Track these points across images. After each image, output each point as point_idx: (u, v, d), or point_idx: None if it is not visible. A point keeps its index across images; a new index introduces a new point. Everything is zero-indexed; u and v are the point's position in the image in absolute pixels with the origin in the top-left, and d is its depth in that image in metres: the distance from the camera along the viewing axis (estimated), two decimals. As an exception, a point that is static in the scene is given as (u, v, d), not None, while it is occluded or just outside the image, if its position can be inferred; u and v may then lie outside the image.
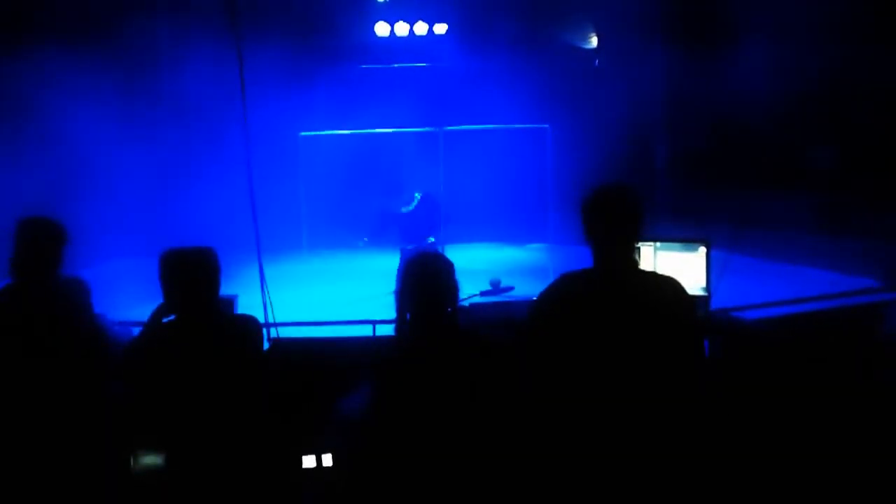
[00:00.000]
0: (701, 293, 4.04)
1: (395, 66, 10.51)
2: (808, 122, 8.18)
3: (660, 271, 2.82)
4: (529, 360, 2.78)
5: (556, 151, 7.96)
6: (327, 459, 3.49)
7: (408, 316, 2.82)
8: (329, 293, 7.67)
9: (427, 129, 8.05)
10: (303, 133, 8.45)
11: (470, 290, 4.09)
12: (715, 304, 4.13)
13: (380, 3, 10.16)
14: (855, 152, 7.65)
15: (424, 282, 2.79)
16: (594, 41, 11.12)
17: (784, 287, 6.39)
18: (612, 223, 2.70)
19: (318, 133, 8.60)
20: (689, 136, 9.66)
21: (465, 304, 3.83)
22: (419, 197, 7.52)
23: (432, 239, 7.40)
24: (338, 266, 9.25)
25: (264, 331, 3.78)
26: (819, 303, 4.68)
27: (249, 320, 3.08)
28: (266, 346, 3.95)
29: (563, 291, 2.79)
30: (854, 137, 7.73)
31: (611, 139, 9.72)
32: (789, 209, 8.09)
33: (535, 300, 2.86)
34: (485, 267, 8.41)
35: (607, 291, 2.69)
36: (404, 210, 7.42)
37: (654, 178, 10.81)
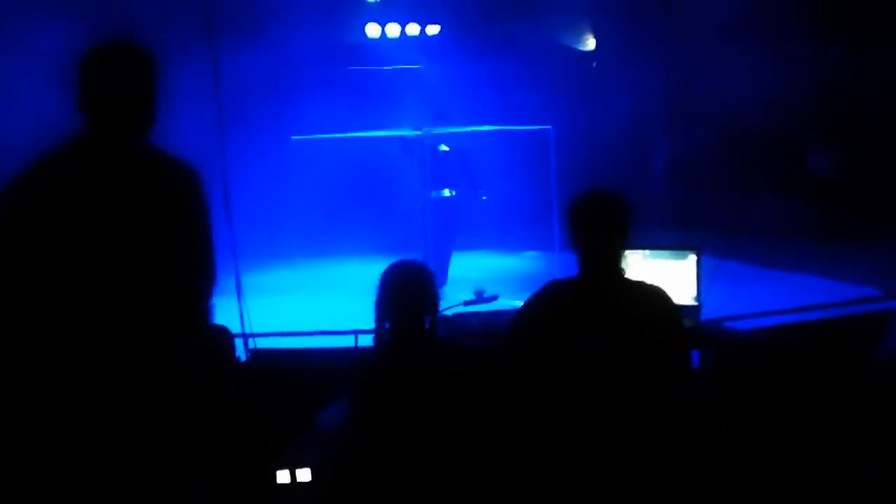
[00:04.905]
0: (691, 302, 3.94)
1: (387, 68, 10.35)
2: (809, 127, 8.12)
3: (649, 280, 2.78)
4: (512, 367, 2.75)
5: (556, 155, 7.82)
6: (303, 475, 3.39)
7: (387, 325, 2.79)
8: (317, 303, 7.50)
9: (417, 132, 7.91)
10: (294, 137, 8.32)
11: (458, 299, 4.02)
12: (707, 314, 4.02)
13: (370, 3, 10.00)
14: (855, 157, 7.59)
15: (402, 291, 2.77)
16: (591, 43, 11.02)
17: (780, 295, 6.26)
18: (598, 230, 2.68)
19: (309, 137, 8.45)
20: (689, 140, 9.61)
21: (449, 313, 3.75)
22: (446, 149, 7.85)
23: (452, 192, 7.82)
24: (330, 274, 9.06)
25: (240, 342, 3.70)
26: (817, 312, 4.58)
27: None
28: (244, 357, 3.88)
29: (546, 300, 2.77)
30: (855, 142, 7.67)
31: (609, 142, 9.63)
32: (788, 214, 8.02)
33: (519, 309, 2.86)
34: (475, 275, 8.21)
35: (591, 300, 2.67)
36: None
37: (653, 182, 10.71)
